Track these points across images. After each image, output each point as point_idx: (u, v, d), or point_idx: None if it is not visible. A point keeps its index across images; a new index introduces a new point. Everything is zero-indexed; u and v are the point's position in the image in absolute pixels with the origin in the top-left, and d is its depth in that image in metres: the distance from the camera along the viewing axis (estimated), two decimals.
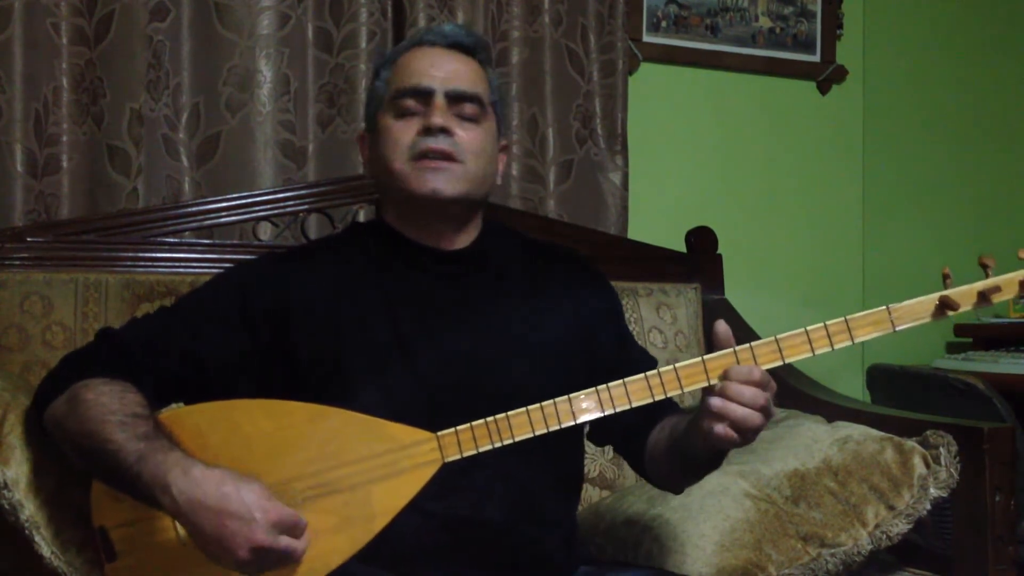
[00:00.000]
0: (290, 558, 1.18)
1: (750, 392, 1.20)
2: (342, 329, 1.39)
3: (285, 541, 1.17)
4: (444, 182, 1.37)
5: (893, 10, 3.07)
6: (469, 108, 1.41)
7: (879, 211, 3.03)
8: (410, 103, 1.40)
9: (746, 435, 1.23)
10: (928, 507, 1.70)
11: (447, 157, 1.38)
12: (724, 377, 1.22)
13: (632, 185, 2.60)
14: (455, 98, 1.40)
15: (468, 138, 1.40)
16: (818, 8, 2.93)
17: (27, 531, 1.36)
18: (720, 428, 1.22)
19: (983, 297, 1.23)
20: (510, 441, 1.25)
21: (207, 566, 1.21)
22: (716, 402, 1.21)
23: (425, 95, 1.40)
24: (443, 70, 1.41)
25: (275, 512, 1.17)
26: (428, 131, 1.38)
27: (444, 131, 1.38)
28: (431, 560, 1.32)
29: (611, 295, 1.58)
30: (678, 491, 1.54)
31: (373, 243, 1.47)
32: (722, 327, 1.26)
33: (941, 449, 1.70)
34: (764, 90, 2.89)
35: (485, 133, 1.43)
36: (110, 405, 1.25)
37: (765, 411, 1.22)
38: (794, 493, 1.71)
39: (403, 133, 1.39)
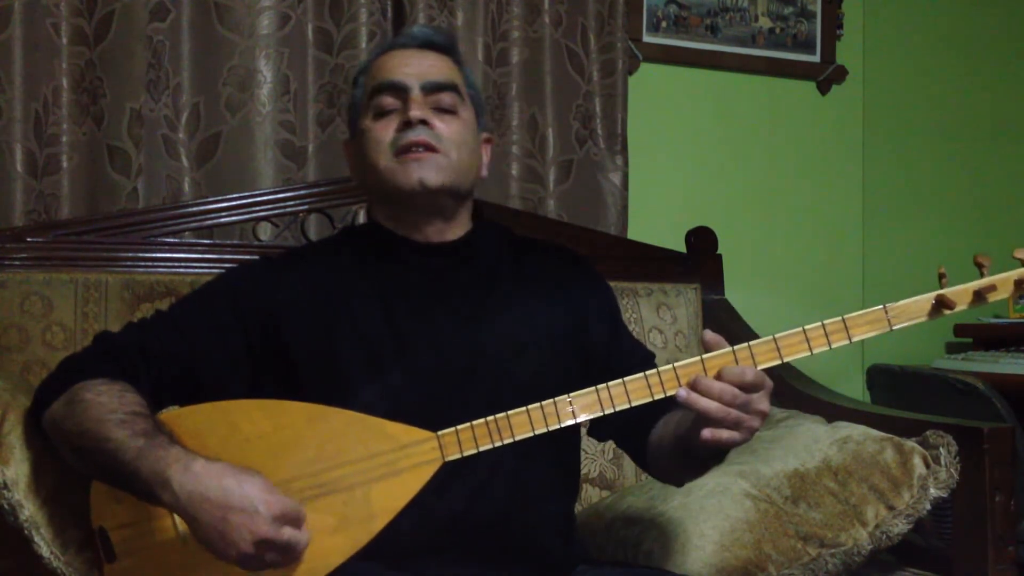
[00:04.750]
0: (293, 550, 1.18)
1: (730, 393, 1.20)
2: (335, 328, 1.39)
3: (288, 533, 1.18)
4: (428, 172, 1.39)
5: (893, 10, 3.07)
6: (447, 98, 1.43)
7: (879, 211, 3.03)
8: (388, 100, 1.41)
9: (737, 436, 1.22)
10: (928, 507, 1.69)
11: (429, 148, 1.39)
12: (716, 378, 1.22)
13: (632, 185, 2.60)
14: (431, 89, 1.42)
15: (448, 130, 1.41)
16: (818, 8, 2.93)
17: (27, 531, 1.36)
18: (707, 432, 1.22)
19: (979, 296, 1.24)
20: (510, 440, 1.26)
21: (206, 567, 1.21)
22: (701, 403, 1.21)
23: (401, 91, 1.41)
24: (417, 67, 1.43)
25: (277, 504, 1.17)
26: (407, 125, 1.39)
27: (423, 123, 1.39)
28: (428, 555, 1.32)
29: (603, 289, 1.58)
30: (679, 484, 1.54)
31: (364, 242, 1.48)
32: (709, 336, 1.26)
33: (941, 449, 1.70)
34: (764, 90, 2.89)
35: (464, 124, 1.44)
36: (109, 404, 1.26)
37: (747, 409, 1.21)
38: (794, 493, 1.71)
39: (384, 131, 1.41)
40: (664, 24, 2.76)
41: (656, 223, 2.64)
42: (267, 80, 2.25)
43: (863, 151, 3.02)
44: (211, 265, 1.94)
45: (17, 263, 1.87)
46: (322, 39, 2.32)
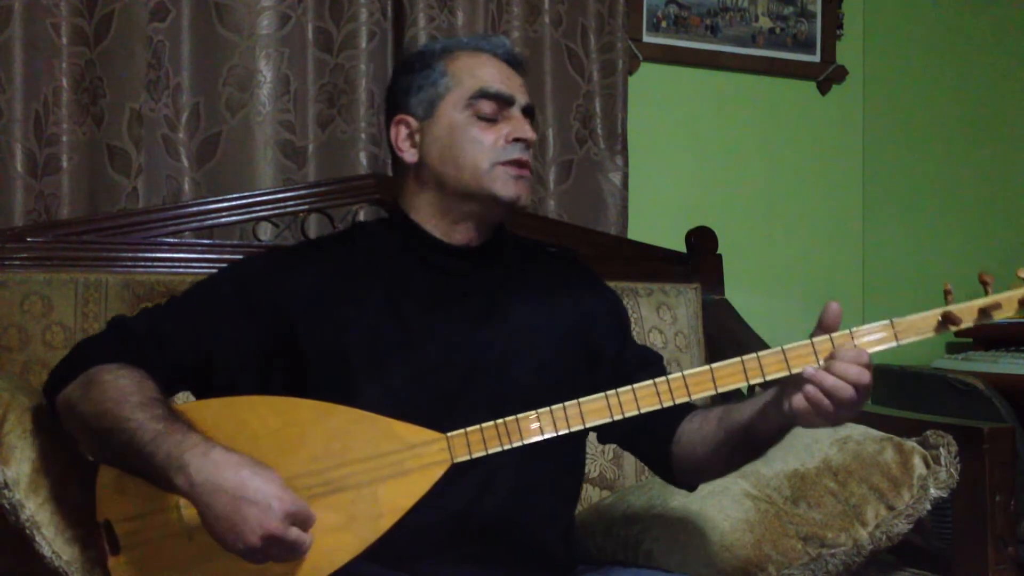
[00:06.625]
0: (297, 550, 1.19)
1: (855, 371, 1.21)
2: (347, 324, 1.40)
3: (295, 533, 1.18)
4: (526, 192, 1.45)
5: (893, 10, 3.07)
6: (532, 124, 1.48)
7: (879, 211, 3.03)
8: (492, 107, 1.44)
9: (841, 415, 1.24)
10: (928, 507, 1.69)
11: (529, 169, 1.45)
12: (831, 357, 1.23)
13: (632, 185, 2.60)
14: (527, 113, 1.48)
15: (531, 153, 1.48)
16: (818, 8, 2.93)
17: (28, 531, 1.37)
18: (821, 406, 1.22)
19: (984, 313, 1.28)
20: (519, 443, 1.26)
21: (210, 559, 1.21)
22: (828, 380, 1.21)
23: (507, 103, 1.45)
24: (516, 83, 1.49)
25: (290, 503, 1.18)
26: (518, 141, 1.44)
27: (528, 144, 1.45)
28: (430, 554, 1.32)
29: (611, 296, 1.60)
30: (691, 488, 1.53)
31: (381, 237, 1.49)
32: (834, 308, 1.26)
33: (941, 449, 1.70)
34: (764, 90, 2.89)
35: None
36: (129, 387, 1.27)
37: (867, 391, 1.23)
38: (794, 493, 1.71)
39: (486, 135, 1.43)
40: (664, 24, 2.76)
41: (656, 223, 2.64)
42: (267, 80, 2.25)
43: (863, 151, 3.02)
44: (211, 265, 1.94)
45: (17, 263, 1.87)
46: (322, 39, 2.32)
